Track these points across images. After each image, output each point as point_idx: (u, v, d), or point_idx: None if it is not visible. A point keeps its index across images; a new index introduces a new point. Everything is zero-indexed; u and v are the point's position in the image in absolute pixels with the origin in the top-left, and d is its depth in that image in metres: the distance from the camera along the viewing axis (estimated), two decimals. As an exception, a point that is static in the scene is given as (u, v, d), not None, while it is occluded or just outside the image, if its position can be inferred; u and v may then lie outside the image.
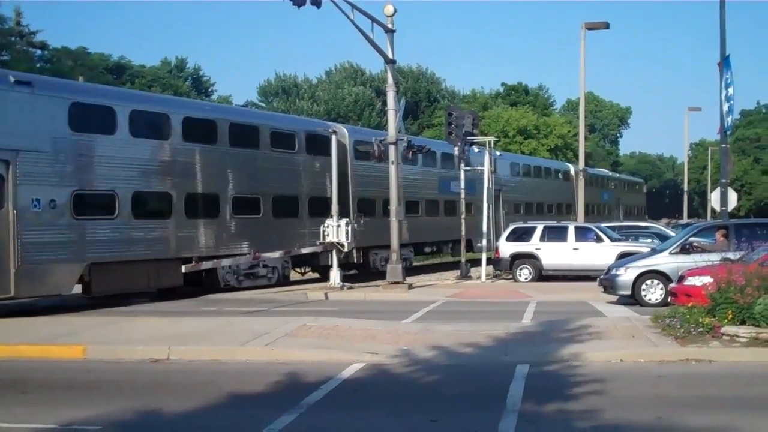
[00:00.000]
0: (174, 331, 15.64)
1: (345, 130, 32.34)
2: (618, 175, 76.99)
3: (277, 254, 27.51)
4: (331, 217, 27.64)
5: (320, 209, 29.19)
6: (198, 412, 9.86)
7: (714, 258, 18.30)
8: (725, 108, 26.29)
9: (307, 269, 32.06)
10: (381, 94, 71.00)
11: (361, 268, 32.72)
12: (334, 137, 28.96)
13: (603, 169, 76.06)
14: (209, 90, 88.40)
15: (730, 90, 26.30)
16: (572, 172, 55.25)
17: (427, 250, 38.31)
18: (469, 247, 36.39)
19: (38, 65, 57.70)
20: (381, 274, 30.01)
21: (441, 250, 39.15)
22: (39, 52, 61.59)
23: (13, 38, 58.77)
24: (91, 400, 10.50)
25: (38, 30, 61.82)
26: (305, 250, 28.31)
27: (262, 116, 34.71)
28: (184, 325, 16.78)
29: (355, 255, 30.65)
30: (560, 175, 55.19)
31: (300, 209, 29.32)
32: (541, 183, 50.69)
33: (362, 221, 30.06)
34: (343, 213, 28.73)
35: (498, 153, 41.50)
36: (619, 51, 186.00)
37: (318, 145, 29.74)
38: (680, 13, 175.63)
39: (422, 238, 36.51)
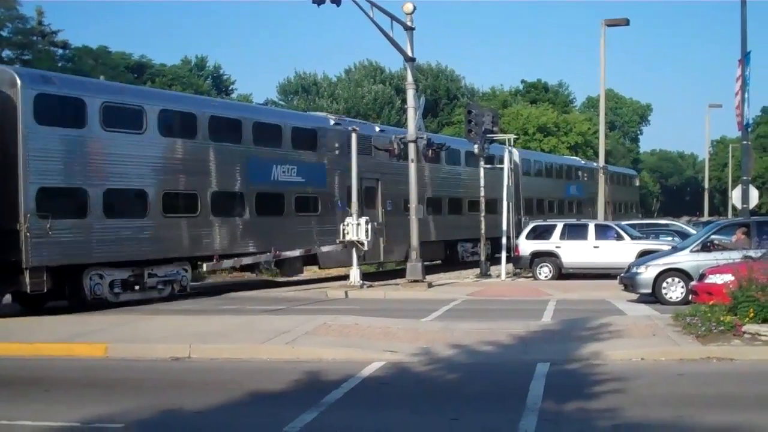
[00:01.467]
0: (195, 330, 15.74)
1: (12, 73, 19.88)
2: (594, 164, 51.84)
3: None
4: (351, 215, 26.66)
5: None
6: (219, 410, 9.91)
7: (735, 256, 18.20)
8: (745, 104, 26.25)
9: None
10: (400, 92, 70.87)
11: (67, 297, 21.30)
12: None
13: (574, 158, 62.47)
14: (229, 89, 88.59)
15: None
16: (517, 159, 40.08)
17: (228, 264, 25.59)
18: (314, 260, 28.71)
19: (60, 64, 58.03)
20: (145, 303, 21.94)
21: (255, 266, 27.30)
22: (60, 51, 61.88)
23: (35, 37, 59.03)
24: (114, 398, 10.57)
25: (59, 29, 62.13)
26: (325, 249, 28.09)
27: None
28: (204, 324, 16.87)
29: (47, 279, 19.77)
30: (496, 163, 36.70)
31: None
32: (456, 172, 36.85)
33: (48, 226, 19.66)
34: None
35: (377, 128, 31.68)
36: (640, 47, 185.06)
37: None
38: (701, 9, 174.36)
39: (209, 249, 24.40)
